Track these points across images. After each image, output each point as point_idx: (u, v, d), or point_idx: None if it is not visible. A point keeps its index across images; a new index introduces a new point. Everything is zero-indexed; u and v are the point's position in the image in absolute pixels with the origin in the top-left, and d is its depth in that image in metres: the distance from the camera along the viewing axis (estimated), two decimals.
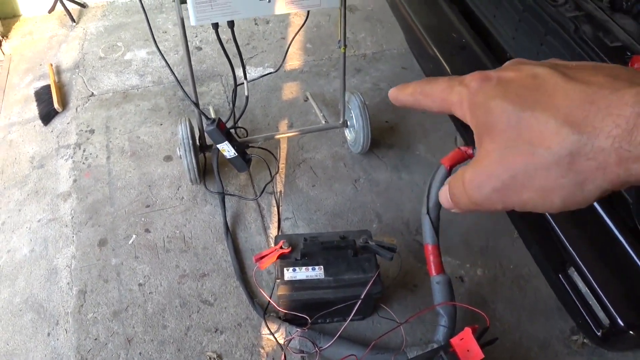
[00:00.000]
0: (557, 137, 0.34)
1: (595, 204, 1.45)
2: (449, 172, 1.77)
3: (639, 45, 1.60)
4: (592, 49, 1.58)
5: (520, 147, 0.36)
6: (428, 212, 1.71)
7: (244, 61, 2.04)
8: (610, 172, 0.33)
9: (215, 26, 1.87)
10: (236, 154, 2.06)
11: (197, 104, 2.05)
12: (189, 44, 1.93)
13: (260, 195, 2.26)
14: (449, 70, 2.03)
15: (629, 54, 1.56)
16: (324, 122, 2.40)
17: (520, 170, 0.36)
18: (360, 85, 2.84)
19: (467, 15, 2.12)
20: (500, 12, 1.94)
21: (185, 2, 1.74)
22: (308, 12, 2.03)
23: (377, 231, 2.15)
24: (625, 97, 0.31)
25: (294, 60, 3.02)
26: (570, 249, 1.50)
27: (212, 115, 2.53)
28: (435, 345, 1.74)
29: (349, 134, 2.44)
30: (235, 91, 2.13)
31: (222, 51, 1.95)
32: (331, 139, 2.52)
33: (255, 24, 3.29)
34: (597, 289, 1.43)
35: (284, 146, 2.49)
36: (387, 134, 2.57)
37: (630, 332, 1.36)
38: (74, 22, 3.36)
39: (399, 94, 0.45)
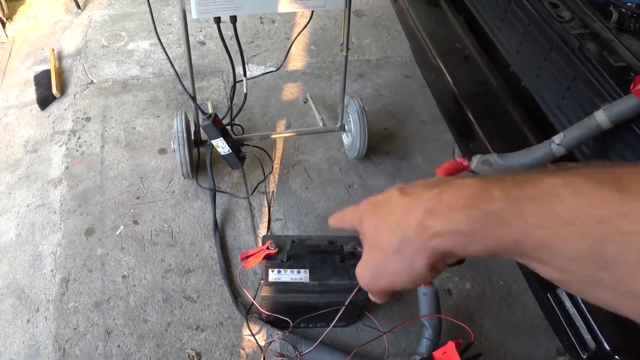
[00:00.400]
0: (392, 235, 0.49)
1: None
2: None
3: None
4: (595, 67, 1.56)
5: (376, 245, 0.51)
6: None
7: (246, 59, 2.02)
8: (422, 251, 0.47)
9: (218, 21, 1.85)
10: (230, 151, 2.04)
11: (193, 98, 2.03)
12: (193, 38, 1.92)
13: (251, 194, 2.24)
14: (450, 80, 2.01)
15: (632, 74, 1.54)
16: (321, 124, 2.38)
17: (378, 261, 0.51)
18: (361, 91, 2.82)
19: (472, 26, 2.10)
20: (505, 25, 1.92)
21: None
22: (312, 12, 2.01)
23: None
24: (421, 200, 0.47)
25: (297, 61, 3.00)
26: None
27: (210, 111, 2.50)
28: (418, 358, 1.72)
29: (346, 138, 2.42)
30: (234, 88, 2.11)
31: (224, 48, 1.93)
32: (328, 142, 2.50)
33: (261, 22, 3.27)
34: (585, 311, 1.41)
35: (279, 146, 2.47)
36: (385, 140, 2.55)
37: (616, 356, 1.34)
38: (80, 8, 3.34)
39: (331, 222, 0.61)
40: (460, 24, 2.15)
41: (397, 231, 0.48)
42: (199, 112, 2.05)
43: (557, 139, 1.48)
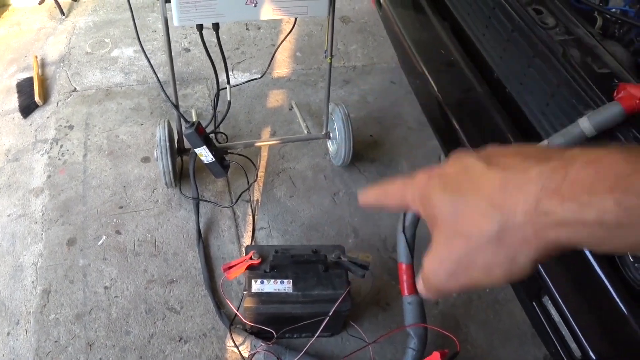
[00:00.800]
0: (485, 219, 0.39)
1: None
2: None
3: (627, 73, 1.58)
4: (579, 73, 1.56)
5: (459, 232, 0.41)
6: (404, 230, 1.67)
7: (231, 65, 2.00)
8: (533, 243, 0.37)
9: (200, 28, 1.84)
10: (214, 160, 2.02)
11: (176, 106, 2.01)
12: (178, 45, 1.91)
13: (235, 203, 2.22)
14: (435, 87, 2.00)
15: (616, 81, 1.53)
16: (306, 132, 2.36)
17: (463, 254, 0.41)
18: (347, 97, 2.80)
19: (456, 32, 2.10)
20: (489, 31, 1.91)
21: (170, 2, 1.71)
22: (295, 19, 2.00)
23: (353, 246, 2.11)
24: (531, 175, 0.37)
25: (282, 68, 2.98)
26: (546, 277, 1.47)
27: (194, 119, 2.48)
28: None
29: (331, 146, 2.41)
30: (217, 95, 2.09)
31: (207, 55, 1.91)
32: (313, 150, 2.49)
33: (247, 29, 3.26)
34: (570, 319, 1.40)
35: (264, 154, 2.45)
36: (371, 147, 2.54)
37: None
38: (64, 15, 3.31)
39: (365, 198, 0.51)
40: (444, 30, 2.15)
41: (494, 215, 0.38)
42: (182, 120, 2.03)
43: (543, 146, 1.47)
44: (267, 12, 1.83)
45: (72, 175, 2.33)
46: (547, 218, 0.36)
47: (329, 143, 2.41)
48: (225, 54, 1.94)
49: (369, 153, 2.51)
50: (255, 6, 1.81)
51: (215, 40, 1.90)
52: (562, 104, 1.60)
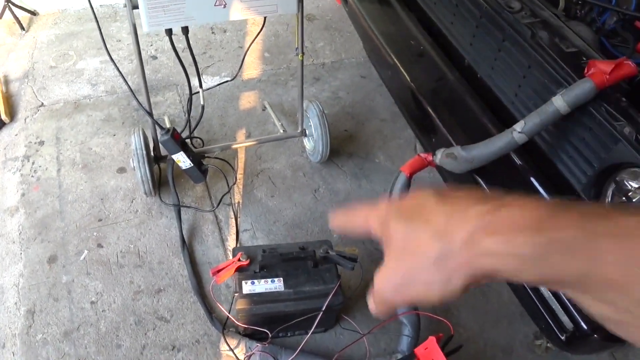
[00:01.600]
0: (430, 243, 0.45)
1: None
2: (410, 180, 1.75)
3: (593, 50, 1.62)
4: (549, 54, 1.58)
5: (407, 253, 0.48)
6: None
7: (200, 70, 1.99)
8: (465, 268, 0.44)
9: (169, 33, 1.82)
10: (192, 165, 2.01)
11: (150, 114, 1.99)
12: (144, 52, 1.88)
13: (217, 207, 2.20)
14: (407, 77, 2.01)
15: (585, 59, 1.57)
16: (282, 131, 2.36)
17: (408, 270, 0.48)
18: (319, 94, 2.81)
19: (425, 23, 2.12)
20: (457, 19, 1.94)
21: (137, 8, 1.69)
22: (265, 18, 1.99)
23: (338, 241, 2.11)
24: (470, 213, 0.44)
25: (252, 69, 2.97)
26: None
27: (167, 125, 2.45)
28: (400, 356, 1.71)
29: (307, 143, 2.41)
30: (190, 100, 2.08)
31: (177, 60, 1.89)
32: (290, 149, 2.48)
33: (212, 32, 3.24)
34: (560, 293, 1.43)
35: (241, 156, 2.44)
36: (346, 142, 2.55)
37: (594, 335, 1.36)
38: (24, 30, 3.24)
39: (334, 223, 0.57)
40: (412, 21, 2.16)
41: (437, 241, 0.45)
42: (157, 127, 2.01)
43: (518, 127, 1.49)
44: (237, 13, 1.83)
45: (47, 192, 2.28)
46: (478, 248, 0.42)
47: (306, 140, 2.41)
48: None
49: (345, 148, 2.52)
50: (224, 7, 1.80)
51: (182, 46, 1.88)
52: (534, 84, 1.63)
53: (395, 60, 2.09)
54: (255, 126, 2.61)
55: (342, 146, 2.52)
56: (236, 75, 2.33)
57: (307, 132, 2.32)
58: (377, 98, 2.78)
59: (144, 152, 2.07)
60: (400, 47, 2.14)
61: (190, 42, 1.90)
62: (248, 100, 2.76)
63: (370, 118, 2.69)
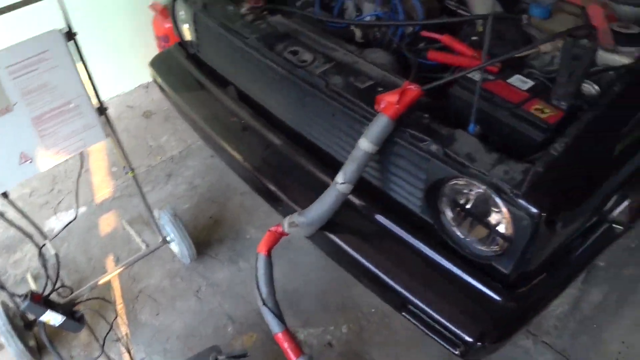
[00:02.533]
0: None
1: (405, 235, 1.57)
2: (269, 256, 1.76)
3: (391, 75, 1.69)
4: (345, 97, 1.64)
5: None
6: (264, 304, 1.70)
7: (54, 208, 1.94)
8: None
9: (5, 196, 1.79)
10: (64, 318, 1.93)
11: (2, 287, 1.91)
12: None
13: (103, 348, 2.12)
14: (237, 155, 2.02)
15: (380, 89, 1.63)
16: (144, 246, 2.33)
17: None
18: (174, 190, 2.80)
19: (241, 94, 2.14)
20: (264, 86, 1.97)
21: None
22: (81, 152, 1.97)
23: (234, 333, 2.10)
24: None
25: (103, 189, 2.91)
26: (399, 289, 1.54)
27: (32, 285, 2.36)
28: None
29: (174, 248, 2.38)
30: (41, 254, 2.01)
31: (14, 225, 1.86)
32: (161, 258, 2.45)
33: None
34: (436, 316, 1.47)
35: (116, 285, 2.38)
36: (214, 229, 2.55)
37: (479, 343, 1.40)
38: None
39: None
40: (230, 96, 2.18)
41: None
42: (14, 297, 1.93)
43: (339, 178, 1.53)
44: (47, 161, 1.82)
45: None
46: None
47: (172, 246, 2.39)
48: (42, 198, 1.90)
49: (214, 235, 2.52)
50: (31, 162, 1.78)
51: (30, 190, 1.84)
52: (343, 130, 1.68)
53: (221, 141, 2.10)
54: (121, 248, 2.55)
55: (210, 234, 2.52)
56: (76, 213, 2.20)
57: (167, 239, 2.30)
58: (231, 173, 2.78)
59: (10, 326, 1.98)
60: (222, 126, 2.14)
61: (34, 184, 1.86)
62: (107, 223, 2.70)
63: (230, 196, 2.71)
